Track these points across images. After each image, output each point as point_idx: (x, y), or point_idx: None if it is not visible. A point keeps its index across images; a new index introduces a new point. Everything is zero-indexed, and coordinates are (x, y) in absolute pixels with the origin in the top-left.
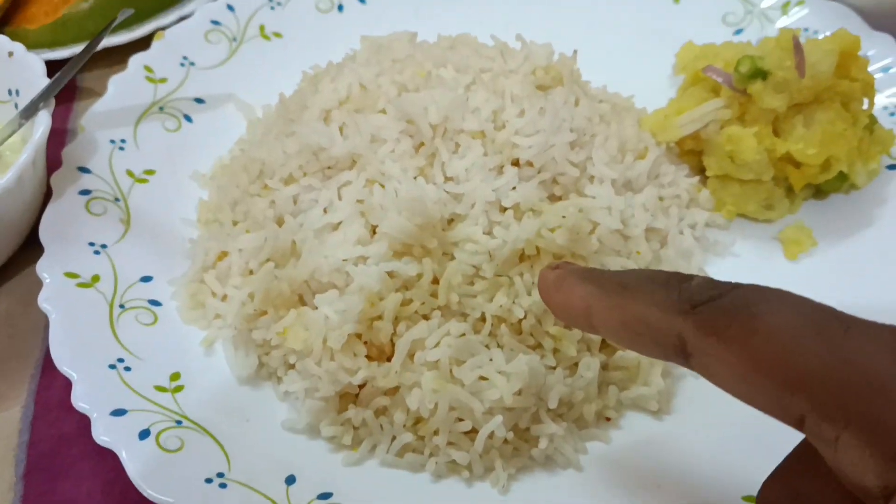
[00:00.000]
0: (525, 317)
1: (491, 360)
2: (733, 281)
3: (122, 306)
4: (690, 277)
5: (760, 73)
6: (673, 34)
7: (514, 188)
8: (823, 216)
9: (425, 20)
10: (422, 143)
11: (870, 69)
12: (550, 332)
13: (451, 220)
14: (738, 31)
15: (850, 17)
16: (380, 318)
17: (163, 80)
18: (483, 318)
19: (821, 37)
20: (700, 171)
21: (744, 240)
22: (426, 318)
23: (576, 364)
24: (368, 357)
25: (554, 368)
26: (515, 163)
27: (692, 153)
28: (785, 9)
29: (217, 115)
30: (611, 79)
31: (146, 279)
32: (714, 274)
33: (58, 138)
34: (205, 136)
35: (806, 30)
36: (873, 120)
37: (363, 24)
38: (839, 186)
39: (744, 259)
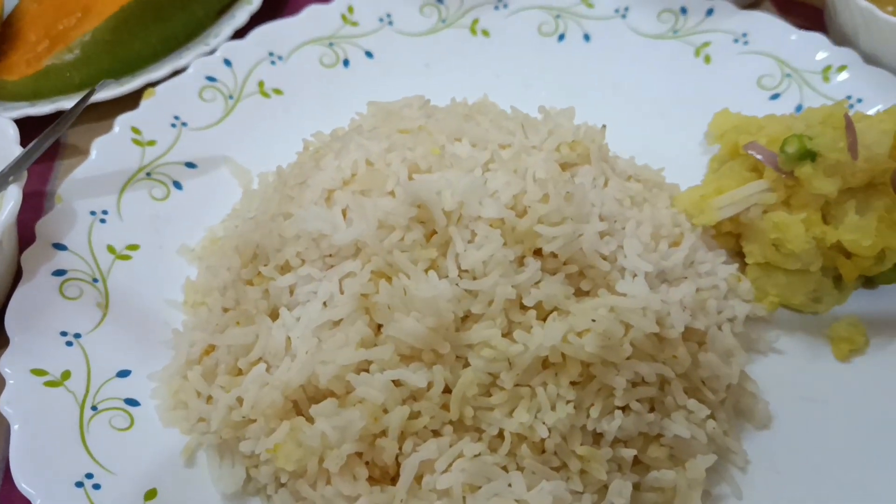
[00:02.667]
0: (549, 435)
1: (510, 485)
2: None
3: (94, 408)
4: None
5: (810, 155)
6: (705, 98)
7: (536, 284)
8: (875, 308)
9: (437, 75)
10: (434, 231)
11: None
12: (577, 451)
13: (465, 318)
14: (775, 97)
15: None
16: (384, 434)
17: (151, 143)
18: (501, 436)
19: (867, 107)
20: (738, 254)
21: (788, 334)
22: (436, 433)
23: (605, 487)
24: (371, 479)
25: (581, 493)
26: (538, 252)
27: (729, 235)
28: (826, 74)
29: (209, 181)
30: (639, 147)
31: (123, 374)
32: (759, 375)
33: (35, 201)
34: (195, 205)
35: (849, 97)
36: None
37: (370, 79)
38: (894, 278)
39: (790, 357)
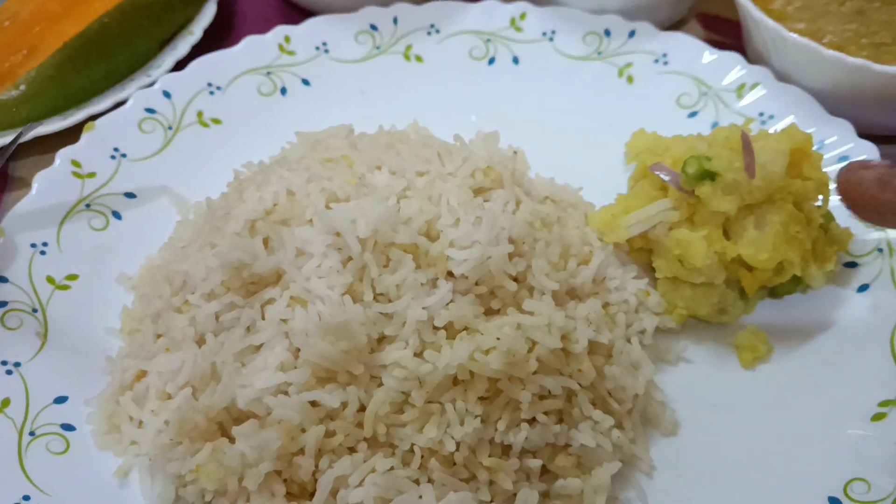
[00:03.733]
0: (457, 448)
1: (420, 497)
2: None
3: (32, 433)
4: None
5: (708, 175)
6: (627, 117)
7: (447, 305)
8: (779, 318)
9: (372, 101)
10: (350, 258)
11: (827, 156)
12: (485, 463)
13: (381, 339)
14: (693, 115)
15: (807, 102)
16: (301, 452)
17: (91, 175)
18: (412, 450)
19: (778, 122)
20: (651, 268)
21: (696, 344)
22: (352, 450)
23: (513, 496)
24: (289, 494)
25: (489, 502)
26: (450, 274)
27: (642, 250)
28: (740, 92)
29: (148, 211)
30: (563, 165)
31: (60, 400)
32: (667, 384)
33: None
34: (135, 234)
35: (762, 114)
36: (829, 218)
37: (307, 107)
38: (793, 289)
39: (697, 366)
